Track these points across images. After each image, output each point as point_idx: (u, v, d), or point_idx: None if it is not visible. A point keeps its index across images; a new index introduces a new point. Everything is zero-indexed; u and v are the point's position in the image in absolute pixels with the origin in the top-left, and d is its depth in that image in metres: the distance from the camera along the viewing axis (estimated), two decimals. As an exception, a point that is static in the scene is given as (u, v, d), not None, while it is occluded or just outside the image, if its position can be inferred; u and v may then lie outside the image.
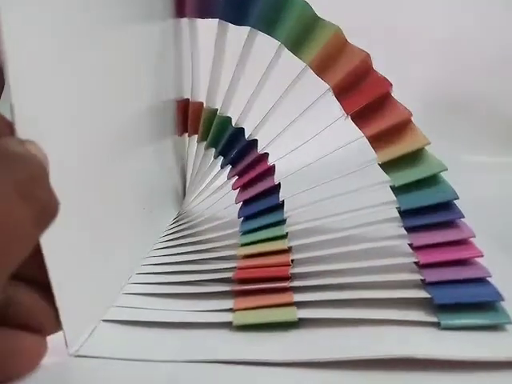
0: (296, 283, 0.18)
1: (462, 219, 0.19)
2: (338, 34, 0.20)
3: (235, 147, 0.23)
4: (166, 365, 0.15)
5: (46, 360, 0.14)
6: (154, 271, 0.21)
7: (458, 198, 0.19)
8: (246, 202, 0.22)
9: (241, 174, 0.23)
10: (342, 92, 0.20)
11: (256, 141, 0.23)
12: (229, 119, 0.24)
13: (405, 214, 0.19)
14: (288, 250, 0.20)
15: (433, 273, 0.17)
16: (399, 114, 0.20)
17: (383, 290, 0.18)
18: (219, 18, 0.22)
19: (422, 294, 0.17)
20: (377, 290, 0.18)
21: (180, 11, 0.24)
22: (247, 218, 0.21)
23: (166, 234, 0.24)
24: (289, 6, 0.20)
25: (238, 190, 0.23)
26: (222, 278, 0.19)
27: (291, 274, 0.19)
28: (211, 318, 0.17)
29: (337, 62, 0.20)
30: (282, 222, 0.21)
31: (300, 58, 0.21)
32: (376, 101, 0.20)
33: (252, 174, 0.22)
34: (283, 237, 0.20)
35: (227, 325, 0.17)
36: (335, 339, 0.16)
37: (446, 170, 0.19)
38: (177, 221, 0.25)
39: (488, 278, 0.17)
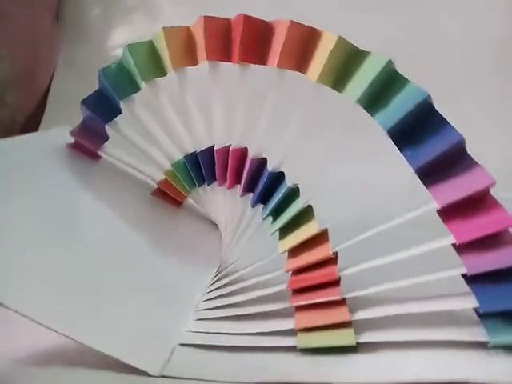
0: (347, 295, 0.19)
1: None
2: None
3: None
4: None
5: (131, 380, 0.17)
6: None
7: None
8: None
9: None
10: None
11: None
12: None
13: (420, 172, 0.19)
14: (325, 238, 0.20)
15: (472, 260, 0.17)
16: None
17: (430, 301, 0.18)
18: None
19: (470, 302, 0.17)
20: (425, 301, 0.18)
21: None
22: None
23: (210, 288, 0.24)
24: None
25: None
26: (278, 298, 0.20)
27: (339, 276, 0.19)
28: (277, 341, 0.19)
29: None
30: (296, 193, 0.21)
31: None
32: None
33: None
34: (309, 215, 0.21)
35: (291, 348, 0.18)
36: (395, 360, 0.17)
37: None
38: (218, 276, 0.24)
39: None
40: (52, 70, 0.52)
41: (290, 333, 0.19)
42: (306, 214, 0.22)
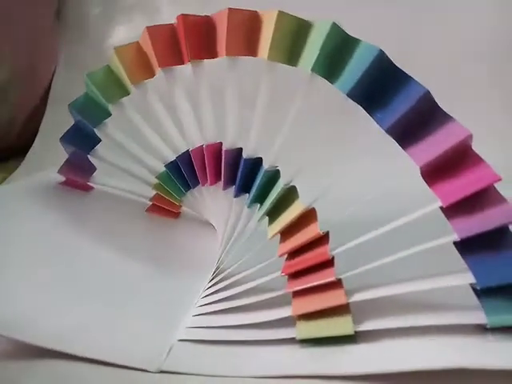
0: (342, 276, 0.19)
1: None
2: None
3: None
4: (235, 380, 0.17)
5: (135, 375, 0.17)
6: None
7: None
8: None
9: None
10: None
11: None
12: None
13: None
14: (313, 217, 0.20)
15: (460, 223, 0.16)
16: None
17: (427, 279, 0.17)
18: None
19: (466, 278, 0.16)
20: (421, 280, 0.17)
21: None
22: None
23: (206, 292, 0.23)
24: None
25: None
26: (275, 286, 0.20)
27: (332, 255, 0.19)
28: (276, 334, 0.19)
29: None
30: (276, 175, 0.21)
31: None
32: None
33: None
34: (293, 194, 0.20)
35: (291, 340, 0.18)
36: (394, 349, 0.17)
37: None
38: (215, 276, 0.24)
39: None
40: (52, 68, 0.52)
41: (289, 324, 0.19)
42: (289, 196, 0.21)
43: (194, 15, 0.21)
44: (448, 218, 0.17)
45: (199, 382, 0.17)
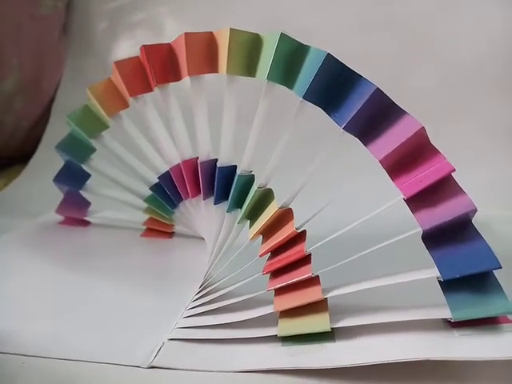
0: (319, 272, 0.19)
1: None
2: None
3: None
4: (221, 374, 0.18)
5: (127, 370, 0.18)
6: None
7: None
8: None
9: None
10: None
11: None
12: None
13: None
14: (289, 216, 0.21)
15: (422, 215, 0.17)
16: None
17: (397, 275, 0.18)
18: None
19: (432, 272, 0.17)
20: (392, 276, 0.18)
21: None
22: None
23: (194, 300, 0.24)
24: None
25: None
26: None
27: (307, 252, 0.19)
28: (258, 332, 0.19)
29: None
30: (250, 180, 0.22)
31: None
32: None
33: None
34: (269, 196, 0.21)
35: (273, 338, 0.19)
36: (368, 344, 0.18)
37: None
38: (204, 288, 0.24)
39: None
40: (57, 79, 0.55)
41: (271, 324, 0.20)
42: (266, 198, 0.22)
43: (156, 44, 0.22)
44: (412, 211, 0.17)
45: (186, 377, 0.18)
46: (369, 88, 0.18)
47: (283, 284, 0.20)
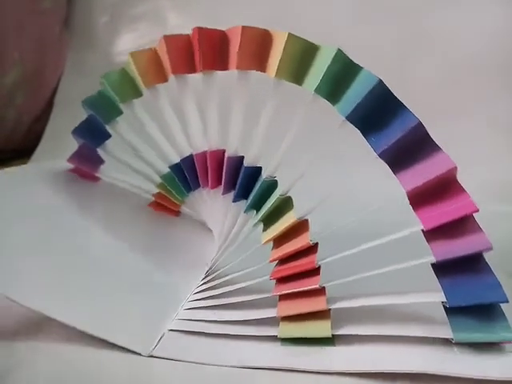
0: (326, 284, 0.20)
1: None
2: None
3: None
4: (218, 369, 0.19)
5: (126, 358, 0.19)
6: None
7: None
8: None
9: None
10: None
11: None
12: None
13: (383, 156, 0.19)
14: (304, 228, 0.21)
15: (438, 247, 0.18)
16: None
17: (402, 295, 0.19)
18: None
19: (438, 297, 0.18)
20: (397, 295, 0.19)
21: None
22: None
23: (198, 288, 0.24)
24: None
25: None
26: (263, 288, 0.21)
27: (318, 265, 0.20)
28: (259, 331, 0.20)
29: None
30: (274, 185, 0.22)
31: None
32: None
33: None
34: (288, 204, 0.22)
35: (272, 338, 0.20)
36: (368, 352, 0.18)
37: None
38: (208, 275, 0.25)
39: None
40: (59, 74, 0.55)
41: (272, 323, 0.20)
42: (284, 206, 0.22)
43: (209, 28, 0.23)
44: (428, 241, 0.19)
45: (184, 369, 0.19)
46: (411, 121, 0.19)
47: (289, 291, 0.20)
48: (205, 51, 0.23)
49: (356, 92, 0.19)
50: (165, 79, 0.25)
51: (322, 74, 0.20)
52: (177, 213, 0.30)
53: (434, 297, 0.18)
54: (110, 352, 0.19)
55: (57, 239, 0.24)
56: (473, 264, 0.18)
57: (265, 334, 0.20)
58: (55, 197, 0.27)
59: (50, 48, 0.54)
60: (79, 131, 0.28)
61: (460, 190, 0.18)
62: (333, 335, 0.19)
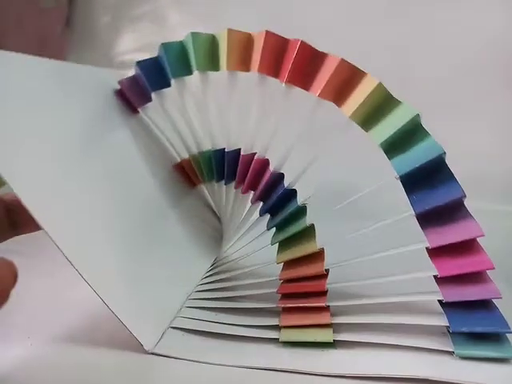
0: (331, 303, 0.21)
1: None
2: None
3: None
4: (219, 368, 0.19)
5: (128, 355, 0.19)
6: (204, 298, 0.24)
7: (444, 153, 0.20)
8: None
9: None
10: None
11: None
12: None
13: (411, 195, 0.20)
14: (321, 257, 0.22)
15: (448, 291, 0.19)
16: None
17: (406, 315, 0.20)
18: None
19: (441, 321, 0.20)
20: (400, 315, 0.20)
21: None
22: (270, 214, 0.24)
23: (204, 280, 0.25)
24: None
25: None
26: (266, 296, 0.22)
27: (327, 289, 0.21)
28: (260, 333, 0.21)
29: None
30: (304, 211, 0.23)
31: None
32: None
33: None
34: (311, 234, 0.22)
35: (274, 340, 0.21)
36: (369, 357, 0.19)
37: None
38: (215, 267, 0.26)
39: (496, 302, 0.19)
40: None
41: (274, 327, 0.21)
42: (307, 233, 0.23)
43: (310, 46, 0.23)
44: (438, 285, 0.20)
45: (186, 367, 0.19)
46: (457, 192, 0.20)
47: (295, 305, 0.21)
48: (296, 66, 0.23)
49: (417, 156, 0.20)
50: (247, 69, 0.25)
51: (394, 132, 0.21)
52: (194, 185, 0.31)
53: (437, 321, 0.19)
54: (103, 348, 0.20)
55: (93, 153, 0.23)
56: (480, 304, 0.19)
57: (266, 336, 0.21)
58: (91, 103, 0.25)
59: (51, 47, 0.53)
60: (143, 65, 0.27)
61: (479, 249, 0.20)
62: (334, 340, 0.20)
